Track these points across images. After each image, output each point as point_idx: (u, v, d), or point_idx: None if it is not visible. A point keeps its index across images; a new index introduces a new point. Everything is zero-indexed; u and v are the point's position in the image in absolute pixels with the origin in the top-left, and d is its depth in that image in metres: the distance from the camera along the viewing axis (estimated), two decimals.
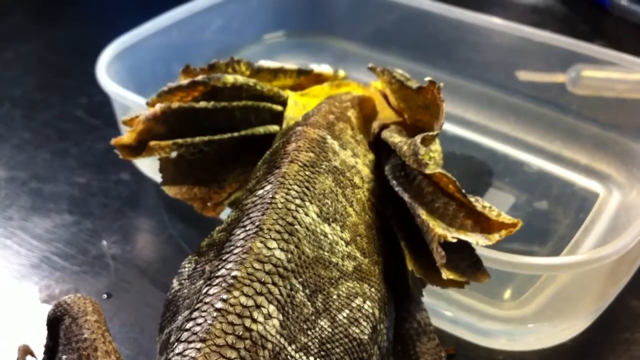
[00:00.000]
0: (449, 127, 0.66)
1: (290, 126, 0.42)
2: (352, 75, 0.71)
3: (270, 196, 0.36)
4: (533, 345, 0.48)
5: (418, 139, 0.38)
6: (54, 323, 0.39)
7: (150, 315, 0.52)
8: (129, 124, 0.43)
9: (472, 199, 0.37)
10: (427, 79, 0.41)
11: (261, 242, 0.34)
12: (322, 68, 0.50)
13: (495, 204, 0.57)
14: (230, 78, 0.43)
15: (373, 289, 0.36)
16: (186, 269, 0.38)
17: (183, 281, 0.37)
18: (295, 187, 0.36)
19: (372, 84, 0.51)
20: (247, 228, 0.35)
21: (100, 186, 0.65)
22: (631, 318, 0.51)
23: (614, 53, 0.64)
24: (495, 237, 0.35)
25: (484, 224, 0.36)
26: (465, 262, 0.36)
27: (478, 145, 0.64)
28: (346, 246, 0.37)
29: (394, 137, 0.40)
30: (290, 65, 0.48)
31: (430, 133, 0.38)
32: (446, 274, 0.35)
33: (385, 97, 0.48)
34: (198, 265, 0.37)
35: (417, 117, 0.45)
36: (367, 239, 0.38)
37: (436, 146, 0.51)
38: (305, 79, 0.49)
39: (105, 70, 0.61)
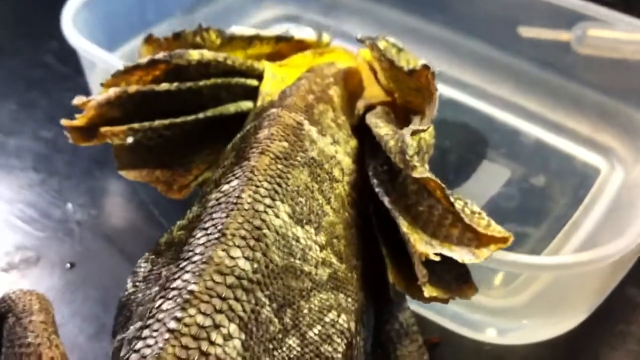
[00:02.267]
0: (444, 90, 0.62)
1: (265, 106, 0.38)
2: (342, 28, 0.66)
3: (237, 195, 0.32)
4: (523, 339, 0.45)
5: (407, 133, 0.33)
6: None
7: (116, 291, 0.49)
8: (80, 107, 0.38)
9: (460, 204, 0.33)
10: (421, 62, 0.37)
11: (223, 250, 0.30)
12: (304, 34, 0.45)
13: (489, 179, 0.54)
14: (195, 54, 0.38)
15: (349, 299, 0.33)
16: (142, 269, 0.34)
17: (138, 283, 0.33)
18: (265, 184, 0.32)
19: (360, 53, 0.46)
20: (209, 232, 0.31)
21: (68, 142, 0.60)
22: (628, 308, 0.48)
23: (622, 15, 0.59)
24: (484, 253, 0.32)
25: (471, 234, 0.32)
26: (451, 273, 0.33)
27: (474, 111, 0.60)
28: (321, 251, 0.33)
29: (380, 128, 0.36)
30: (268, 32, 0.43)
31: (420, 127, 0.34)
32: (429, 292, 0.32)
33: (373, 70, 0.43)
34: (155, 267, 0.33)
35: (408, 99, 0.40)
36: (345, 241, 0.34)
37: None
38: (285, 46, 0.44)
39: (72, 19, 0.55)
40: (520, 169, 0.55)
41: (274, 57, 0.44)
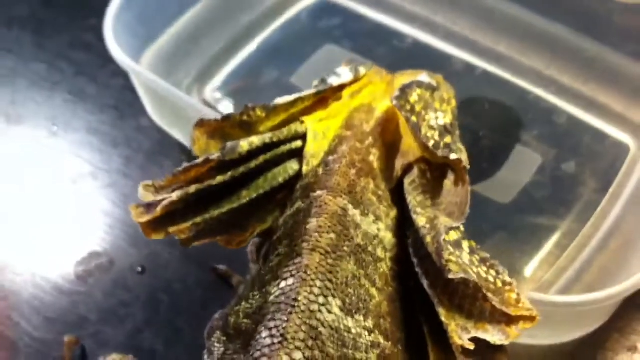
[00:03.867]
0: (478, 62, 0.63)
1: (310, 181, 0.41)
2: None
3: (293, 297, 0.36)
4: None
5: (443, 232, 0.36)
6: None
7: (185, 296, 0.55)
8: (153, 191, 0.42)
9: (492, 276, 0.37)
10: (452, 156, 0.39)
11: (286, 354, 0.35)
12: (341, 78, 0.46)
13: (522, 166, 0.57)
14: (245, 145, 0.41)
15: None
16: (216, 349, 0.39)
17: None
18: (318, 283, 0.37)
19: (395, 84, 0.47)
20: (272, 333, 0.35)
21: (122, 135, 0.64)
22: None
23: None
24: (514, 332, 0.36)
25: (502, 311, 0.36)
26: (483, 340, 0.37)
27: (509, 87, 0.61)
28: (369, 335, 0.37)
29: (418, 215, 0.39)
30: (307, 91, 0.45)
31: (455, 225, 0.37)
32: None
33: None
34: (227, 352, 0.38)
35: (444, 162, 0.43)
36: (390, 317, 0.39)
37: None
38: (324, 94, 0.46)
39: (113, 27, 0.57)
40: (552, 151, 0.57)
41: (315, 104, 0.46)
